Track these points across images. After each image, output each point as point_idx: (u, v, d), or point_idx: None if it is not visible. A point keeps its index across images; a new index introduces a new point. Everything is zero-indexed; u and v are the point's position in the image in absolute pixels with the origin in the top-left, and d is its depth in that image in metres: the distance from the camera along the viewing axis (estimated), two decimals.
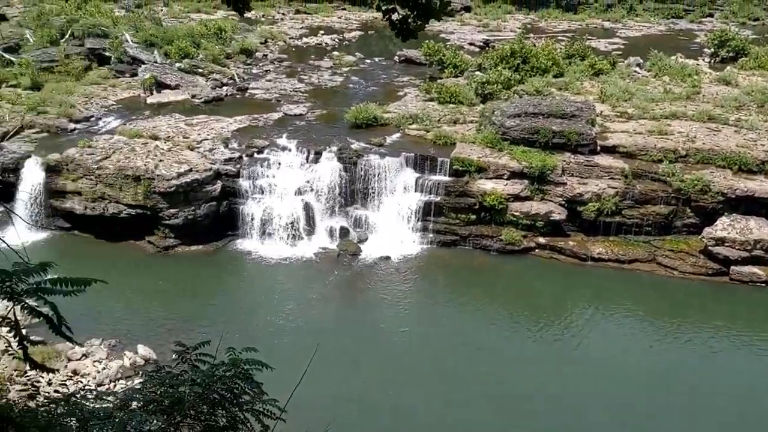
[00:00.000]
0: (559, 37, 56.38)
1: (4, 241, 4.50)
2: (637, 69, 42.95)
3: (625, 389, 21.25)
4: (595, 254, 28.74)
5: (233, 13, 62.87)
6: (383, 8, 5.14)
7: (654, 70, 42.22)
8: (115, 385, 20.38)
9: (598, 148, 30.41)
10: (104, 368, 21.01)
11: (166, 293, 25.80)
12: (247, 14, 61.69)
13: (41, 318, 5.29)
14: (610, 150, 30.50)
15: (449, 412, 20.08)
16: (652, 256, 28.70)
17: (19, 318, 5.45)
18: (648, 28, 67.28)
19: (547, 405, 20.47)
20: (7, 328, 5.56)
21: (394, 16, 5.16)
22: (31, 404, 5.69)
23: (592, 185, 29.22)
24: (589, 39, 54.29)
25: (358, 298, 26.54)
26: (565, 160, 29.65)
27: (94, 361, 21.29)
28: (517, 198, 29.10)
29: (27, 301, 5.30)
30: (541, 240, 29.35)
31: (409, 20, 5.13)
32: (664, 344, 23.67)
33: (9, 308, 5.25)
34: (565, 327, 24.73)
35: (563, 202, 29.30)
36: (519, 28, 61.57)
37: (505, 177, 29.37)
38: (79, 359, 21.24)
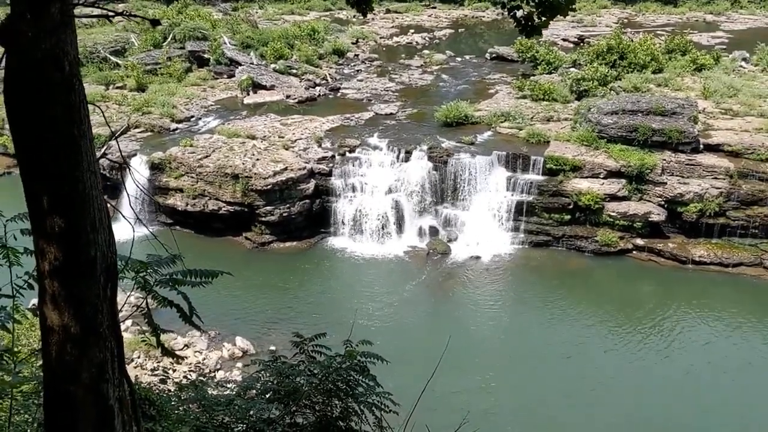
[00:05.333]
0: (658, 32, 54.35)
1: (151, 232, 4.77)
2: (743, 64, 40.86)
3: (726, 398, 20.29)
4: (697, 257, 27.57)
5: (325, 14, 64.02)
6: (508, 5, 5.12)
7: (761, 64, 40.04)
8: (214, 376, 21.18)
9: (701, 146, 29.17)
10: (204, 359, 21.88)
11: (263, 288, 26.56)
12: (338, 15, 62.57)
13: (172, 306, 5.56)
14: (714, 148, 29.23)
15: (537, 417, 19.76)
16: (758, 259, 27.29)
17: (142, 306, 5.77)
18: (754, 20, 63.81)
19: (642, 413, 19.80)
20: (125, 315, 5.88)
21: (519, 13, 5.13)
22: (163, 388, 6.05)
23: (694, 185, 28.05)
24: (690, 33, 52.08)
25: (448, 298, 26.46)
26: (665, 159, 28.61)
27: (195, 352, 22.21)
28: (613, 198, 28.30)
29: (157, 291, 5.60)
30: (639, 241, 28.42)
31: (534, 17, 5.10)
32: None
33: (144, 298, 5.55)
34: (664, 333, 23.82)
35: (663, 203, 28.28)
36: (615, 23, 59.76)
37: (601, 176, 28.62)
38: (181, 349, 22.21)
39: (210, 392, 6.31)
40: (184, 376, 6.34)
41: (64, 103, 3.32)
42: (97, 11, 3.53)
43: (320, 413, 6.22)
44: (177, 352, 21.95)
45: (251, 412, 5.83)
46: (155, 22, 4.01)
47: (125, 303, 5.58)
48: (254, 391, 6.32)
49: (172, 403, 5.36)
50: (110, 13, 3.56)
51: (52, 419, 3.63)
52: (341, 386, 6.04)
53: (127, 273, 5.53)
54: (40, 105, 3.30)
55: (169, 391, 5.79)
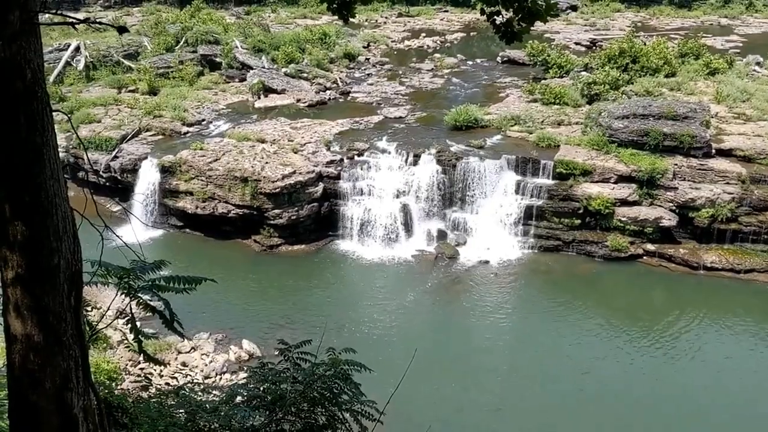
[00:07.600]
0: (672, 35, 53.96)
1: (121, 239, 4.76)
2: (757, 68, 40.44)
3: (739, 405, 20.03)
4: (708, 263, 27.27)
5: (337, 18, 64.09)
6: (487, 11, 5.06)
7: None
8: (220, 378, 21.21)
9: (713, 151, 28.89)
10: (211, 361, 21.90)
11: (270, 291, 26.60)
12: (351, 19, 62.65)
13: (155, 313, 5.55)
14: (726, 153, 28.94)
15: (547, 425, 19.60)
16: None
17: (134, 312, 5.77)
18: None
19: (655, 420, 19.59)
20: (123, 321, 5.89)
21: (498, 19, 5.07)
22: (144, 395, 6.02)
23: (706, 190, 27.76)
24: (704, 37, 51.65)
25: (456, 303, 26.31)
26: (676, 164, 28.34)
27: (202, 354, 22.23)
28: (624, 202, 28.06)
29: (142, 296, 5.59)
30: (650, 247, 28.14)
31: (514, 23, 5.04)
32: None
33: (126, 303, 5.55)
34: (675, 340, 23.51)
35: (674, 208, 28.01)
36: (628, 27, 59.40)
37: (611, 181, 28.41)
38: (188, 352, 22.24)
39: (197, 398, 6.28)
40: (166, 383, 6.30)
41: (26, 111, 3.29)
42: (58, 18, 3.51)
43: (305, 421, 6.18)
44: (183, 355, 21.99)
45: (235, 420, 5.79)
46: (122, 29, 3.99)
47: (109, 308, 5.57)
48: (240, 398, 6.29)
49: (152, 410, 5.34)
50: (74, 21, 3.55)
51: (16, 428, 3.61)
52: (326, 394, 6.00)
53: (110, 278, 5.54)
54: (1, 113, 3.28)
55: (150, 397, 5.77)
